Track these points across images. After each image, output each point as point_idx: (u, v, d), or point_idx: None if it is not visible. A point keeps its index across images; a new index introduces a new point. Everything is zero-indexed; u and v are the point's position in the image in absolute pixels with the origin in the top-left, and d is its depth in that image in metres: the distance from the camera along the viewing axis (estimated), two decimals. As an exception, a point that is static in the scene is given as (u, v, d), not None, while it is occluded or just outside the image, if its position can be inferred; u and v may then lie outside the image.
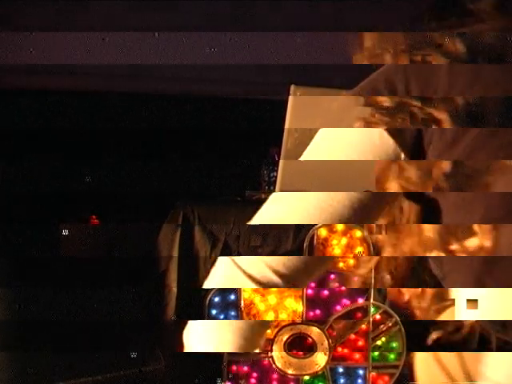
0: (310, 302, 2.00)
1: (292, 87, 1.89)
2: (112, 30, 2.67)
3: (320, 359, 2.02)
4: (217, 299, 2.00)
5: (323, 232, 2.03)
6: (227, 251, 2.04)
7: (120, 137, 2.98)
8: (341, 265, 2.02)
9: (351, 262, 1.88)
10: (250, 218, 1.97)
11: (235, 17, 2.73)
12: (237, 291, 1.98)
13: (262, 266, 0.97)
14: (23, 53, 2.68)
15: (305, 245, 2.03)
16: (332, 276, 1.99)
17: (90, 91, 2.89)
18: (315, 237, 2.02)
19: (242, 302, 1.98)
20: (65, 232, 2.32)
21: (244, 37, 2.79)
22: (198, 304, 2.01)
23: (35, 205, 2.76)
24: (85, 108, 2.92)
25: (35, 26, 2.63)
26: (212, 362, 1.99)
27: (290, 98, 1.88)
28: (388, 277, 1.03)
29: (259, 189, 2.27)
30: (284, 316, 1.99)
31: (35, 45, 2.69)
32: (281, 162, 1.98)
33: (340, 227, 2.03)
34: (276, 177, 2.07)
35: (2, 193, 2.69)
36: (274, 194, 1.02)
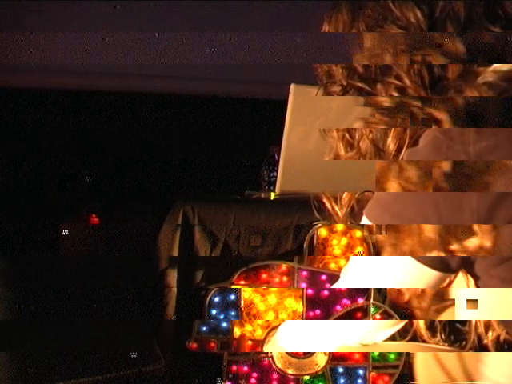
0: (310, 302, 2.00)
1: (292, 86, 1.88)
2: (112, 30, 2.67)
3: (320, 359, 2.02)
4: (217, 299, 2.00)
5: (323, 232, 2.04)
6: (227, 251, 2.04)
7: (120, 136, 2.98)
8: (332, 266, 2.02)
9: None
10: (249, 218, 1.97)
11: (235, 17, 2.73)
12: (237, 291, 1.98)
13: None
14: (23, 53, 2.68)
15: (305, 245, 2.04)
16: (323, 277, 1.99)
17: (89, 91, 2.89)
18: (315, 237, 2.03)
19: (242, 302, 1.98)
20: (65, 232, 2.32)
21: (244, 37, 2.79)
22: (198, 304, 2.01)
23: (35, 204, 2.76)
24: (85, 107, 2.93)
25: (35, 26, 2.63)
26: (212, 362, 2.00)
27: (290, 98, 1.88)
28: None
29: (259, 189, 2.27)
30: (284, 316, 1.99)
31: (35, 45, 2.69)
32: (281, 162, 1.98)
33: (340, 227, 2.03)
34: (276, 177, 2.06)
35: (2, 192, 2.69)
36: None
